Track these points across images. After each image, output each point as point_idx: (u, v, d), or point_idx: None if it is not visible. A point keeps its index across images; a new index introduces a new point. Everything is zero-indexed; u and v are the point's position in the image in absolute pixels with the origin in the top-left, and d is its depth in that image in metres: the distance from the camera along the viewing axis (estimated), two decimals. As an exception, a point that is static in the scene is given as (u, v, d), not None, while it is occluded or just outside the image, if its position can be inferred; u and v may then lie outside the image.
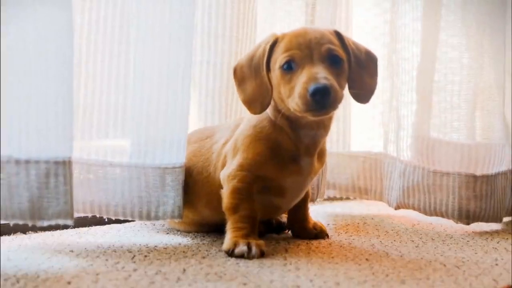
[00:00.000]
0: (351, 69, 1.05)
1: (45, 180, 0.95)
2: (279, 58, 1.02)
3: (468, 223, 1.34)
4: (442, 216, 1.36)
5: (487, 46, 1.39)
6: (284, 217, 1.25)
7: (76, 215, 1.17)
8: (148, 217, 1.11)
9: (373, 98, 1.51)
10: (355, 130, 1.59)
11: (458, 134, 1.38)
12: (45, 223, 0.96)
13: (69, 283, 0.83)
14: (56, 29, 0.96)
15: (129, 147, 1.11)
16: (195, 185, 1.14)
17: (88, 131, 1.12)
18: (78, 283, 0.83)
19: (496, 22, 1.38)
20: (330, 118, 1.09)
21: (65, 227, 1.21)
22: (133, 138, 1.11)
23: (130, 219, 1.13)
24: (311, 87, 0.95)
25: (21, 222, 0.95)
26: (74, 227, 1.22)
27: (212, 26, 1.30)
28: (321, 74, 0.97)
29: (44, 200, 0.95)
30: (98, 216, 1.12)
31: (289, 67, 1.01)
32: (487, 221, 1.35)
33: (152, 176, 1.10)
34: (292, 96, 0.99)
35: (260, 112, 1.06)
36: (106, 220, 1.19)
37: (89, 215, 1.13)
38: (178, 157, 1.12)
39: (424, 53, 1.39)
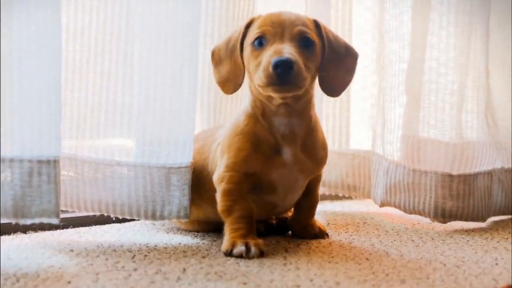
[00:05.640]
0: (324, 58, 1.06)
1: (28, 178, 0.95)
2: (251, 35, 1.04)
3: (444, 222, 1.34)
4: (420, 214, 1.36)
5: (473, 46, 1.39)
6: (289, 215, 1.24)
7: (84, 213, 1.19)
8: (154, 217, 1.11)
9: (369, 96, 1.54)
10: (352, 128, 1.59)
11: (435, 132, 1.38)
12: (29, 222, 0.96)
13: (69, 282, 0.84)
14: (44, 30, 0.96)
15: (135, 147, 1.12)
16: (199, 182, 1.14)
17: (96, 130, 1.12)
18: (78, 283, 0.84)
19: (482, 22, 1.38)
20: (305, 106, 1.07)
21: (65, 226, 1.21)
22: (139, 138, 1.12)
23: (136, 218, 1.13)
24: (274, 59, 0.96)
25: (5, 220, 0.95)
26: (74, 226, 1.22)
27: (208, 26, 1.30)
28: (287, 50, 0.98)
29: (27, 199, 0.95)
30: (105, 215, 1.12)
31: (260, 44, 1.02)
32: (466, 220, 1.34)
33: (157, 176, 1.10)
34: (258, 71, 1.00)
35: (232, 92, 1.08)
36: (107, 219, 1.19)
37: (98, 213, 1.13)
38: (183, 157, 1.11)
39: (414, 53, 1.39)
